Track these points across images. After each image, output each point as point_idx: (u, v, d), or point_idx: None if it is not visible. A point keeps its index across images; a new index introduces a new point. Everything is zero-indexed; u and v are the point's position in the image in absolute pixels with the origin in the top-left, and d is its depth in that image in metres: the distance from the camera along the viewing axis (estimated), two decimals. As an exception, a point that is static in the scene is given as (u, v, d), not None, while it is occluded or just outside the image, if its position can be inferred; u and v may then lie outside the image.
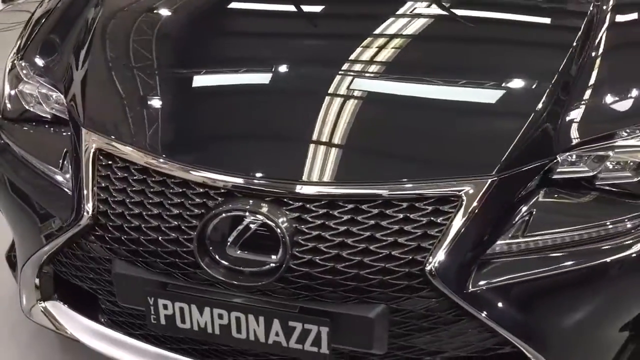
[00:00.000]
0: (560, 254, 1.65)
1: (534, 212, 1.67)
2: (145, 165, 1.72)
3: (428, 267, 1.57)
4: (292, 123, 1.79)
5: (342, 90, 1.83)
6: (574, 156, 1.72)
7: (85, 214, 1.75)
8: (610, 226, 1.67)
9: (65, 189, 1.86)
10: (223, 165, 1.68)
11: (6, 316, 2.44)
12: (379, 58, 1.92)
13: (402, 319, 1.62)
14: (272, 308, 1.63)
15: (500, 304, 1.62)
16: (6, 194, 2.01)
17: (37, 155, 1.96)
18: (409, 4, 2.16)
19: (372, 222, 1.60)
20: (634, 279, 1.70)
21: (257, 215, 1.60)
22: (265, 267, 1.61)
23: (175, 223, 1.67)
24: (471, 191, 1.60)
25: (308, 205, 1.61)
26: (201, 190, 1.67)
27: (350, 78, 1.87)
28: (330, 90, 1.83)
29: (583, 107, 1.77)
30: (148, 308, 1.71)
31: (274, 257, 1.60)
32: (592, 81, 1.82)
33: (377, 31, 2.04)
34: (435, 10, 2.16)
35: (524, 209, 1.67)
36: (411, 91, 1.88)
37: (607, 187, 1.73)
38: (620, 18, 2.03)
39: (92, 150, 1.79)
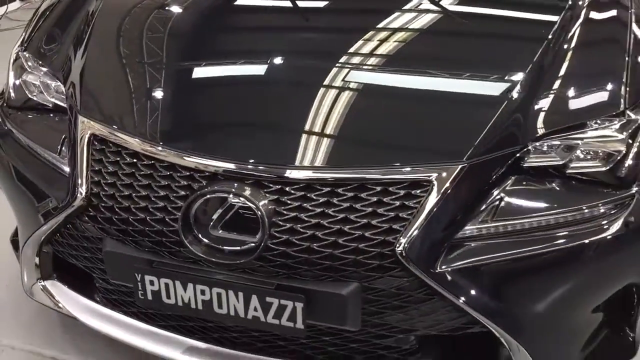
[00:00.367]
0: (528, 238, 1.72)
1: (504, 198, 1.74)
2: (136, 150, 1.83)
3: (399, 248, 1.65)
4: (273, 112, 1.88)
5: (320, 82, 1.91)
6: (545, 145, 1.79)
7: (79, 195, 1.86)
8: (578, 212, 1.74)
9: (63, 173, 1.97)
10: (208, 151, 1.77)
11: (10, 297, 2.54)
12: (357, 50, 2.01)
13: (374, 297, 1.71)
14: (251, 284, 1.72)
15: (468, 285, 1.69)
16: (10, 177, 2.12)
17: (37, 141, 2.07)
18: None
19: (347, 204, 1.68)
20: (599, 263, 1.76)
21: (238, 197, 1.69)
22: (245, 246, 1.70)
23: (162, 204, 1.77)
24: (442, 176, 1.68)
25: (287, 189, 1.71)
26: (187, 173, 1.76)
27: (329, 70, 1.95)
28: (309, 82, 1.93)
29: (554, 98, 1.84)
30: (136, 284, 1.81)
31: (253, 236, 1.69)
32: (563, 74, 1.89)
33: (354, 24, 2.13)
34: (414, 3, 2.24)
35: (494, 194, 1.74)
36: (388, 81, 1.96)
37: (578, 176, 1.80)
38: (594, 15, 2.10)
39: (87, 136, 1.90)
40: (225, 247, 1.71)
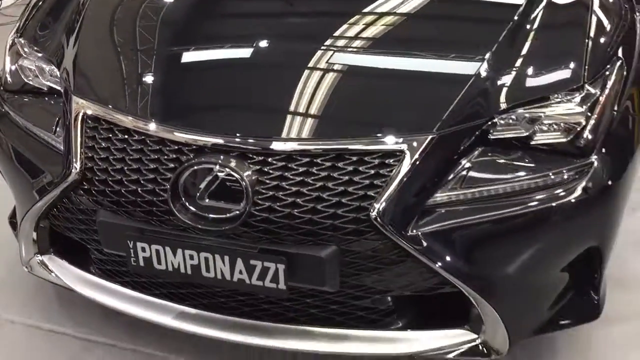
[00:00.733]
0: (493, 204, 1.84)
1: (472, 167, 1.87)
2: (127, 127, 1.95)
3: (373, 213, 1.78)
4: (256, 91, 2.00)
5: (300, 63, 2.04)
6: (510, 118, 1.92)
7: (73, 170, 1.98)
8: (540, 180, 1.86)
9: (58, 151, 2.09)
10: (197, 126, 1.90)
11: (10, 275, 2.65)
12: (334, 33, 2.12)
13: (351, 259, 1.83)
14: (236, 248, 1.84)
15: (437, 247, 1.82)
16: (8, 156, 2.24)
17: (34, 122, 2.19)
18: None
19: (325, 174, 1.81)
20: (560, 226, 1.89)
21: (224, 168, 1.82)
22: (230, 214, 1.83)
23: (152, 176, 1.89)
24: (413, 146, 1.81)
25: (269, 159, 1.83)
26: (176, 147, 1.89)
27: (308, 52, 2.06)
28: (289, 63, 2.06)
29: (518, 74, 1.96)
30: (128, 251, 1.93)
31: (237, 205, 1.81)
32: (527, 52, 2.01)
33: (331, 9, 2.27)
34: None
35: (463, 164, 1.87)
36: (364, 61, 2.07)
37: (541, 147, 1.92)
38: (557, -1, 2.23)
39: (81, 115, 2.02)
40: (211, 215, 1.84)
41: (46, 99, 2.25)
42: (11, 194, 2.36)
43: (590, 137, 1.91)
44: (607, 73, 2.01)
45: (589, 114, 1.93)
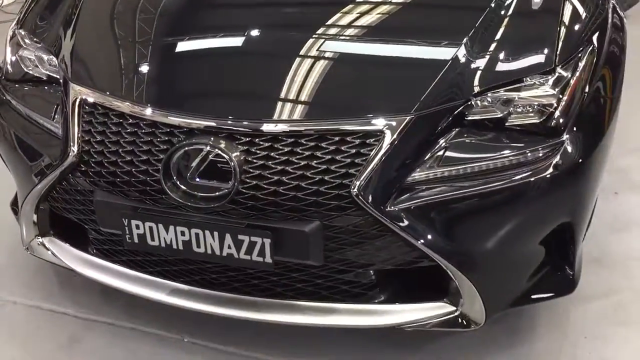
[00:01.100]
0: (468, 182, 1.94)
1: (449, 147, 1.97)
2: (123, 111, 2.05)
3: (354, 190, 1.88)
4: (244, 77, 2.10)
5: (286, 50, 2.15)
6: (486, 100, 2.02)
7: (71, 153, 2.09)
8: (514, 158, 1.96)
9: (56, 136, 2.19)
10: (189, 109, 2.01)
11: (11, 258, 2.76)
12: (317, 21, 2.22)
13: (334, 234, 1.93)
14: (224, 224, 1.95)
15: (415, 222, 1.91)
16: (9, 142, 2.35)
17: (34, 109, 2.30)
18: None
19: (309, 153, 1.91)
20: (533, 202, 1.98)
21: (214, 149, 1.92)
22: (220, 191, 1.93)
23: (146, 157, 1.99)
24: (392, 126, 1.91)
25: (256, 140, 1.93)
26: (168, 130, 1.99)
27: (293, 39, 2.18)
28: (274, 49, 2.17)
29: (494, 58, 2.06)
30: (123, 229, 2.03)
31: (226, 183, 1.91)
32: (502, 38, 2.11)
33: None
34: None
35: (440, 144, 1.97)
36: (346, 48, 2.18)
37: (515, 128, 2.02)
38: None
39: (78, 100, 2.12)
40: (201, 194, 1.94)
41: (45, 87, 2.35)
42: (12, 182, 2.47)
43: (561, 118, 2.01)
44: (580, 56, 2.10)
45: (561, 96, 2.02)
